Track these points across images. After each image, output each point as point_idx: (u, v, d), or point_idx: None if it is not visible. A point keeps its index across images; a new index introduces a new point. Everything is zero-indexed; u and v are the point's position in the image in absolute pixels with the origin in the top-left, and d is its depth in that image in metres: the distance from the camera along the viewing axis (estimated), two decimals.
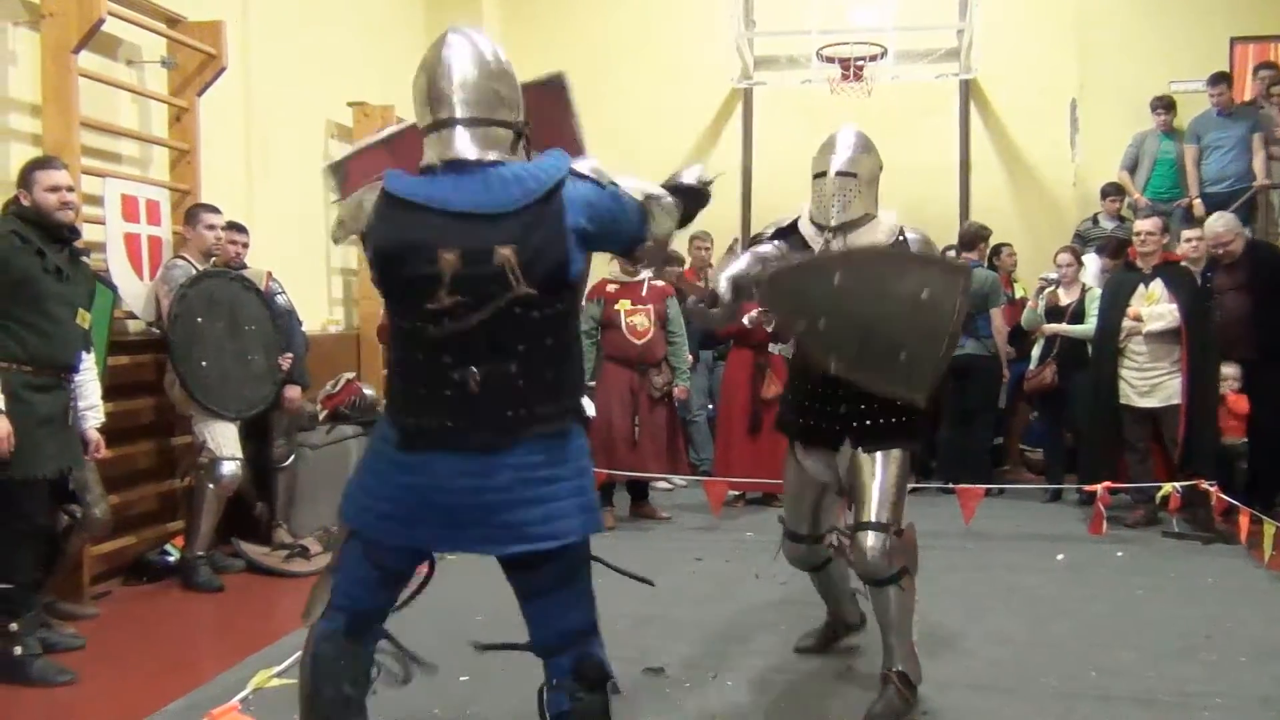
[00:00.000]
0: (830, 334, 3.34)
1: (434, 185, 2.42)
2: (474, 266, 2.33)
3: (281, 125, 7.01)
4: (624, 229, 2.53)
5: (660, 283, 6.94)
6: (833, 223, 3.66)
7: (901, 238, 3.75)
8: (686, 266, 8.14)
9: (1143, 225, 6.62)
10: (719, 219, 9.18)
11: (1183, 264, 6.55)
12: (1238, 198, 7.78)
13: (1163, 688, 3.80)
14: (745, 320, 7.00)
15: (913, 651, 3.52)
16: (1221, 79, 8.19)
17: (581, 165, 2.53)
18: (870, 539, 3.44)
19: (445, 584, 5.26)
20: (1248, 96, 8.52)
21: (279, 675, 3.79)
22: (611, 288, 6.71)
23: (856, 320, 3.31)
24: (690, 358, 7.08)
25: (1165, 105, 8.47)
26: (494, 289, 2.33)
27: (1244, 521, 5.48)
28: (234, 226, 5.70)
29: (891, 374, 3.31)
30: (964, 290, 3.33)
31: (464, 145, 2.44)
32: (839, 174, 3.66)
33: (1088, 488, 6.29)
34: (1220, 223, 6.64)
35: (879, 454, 3.54)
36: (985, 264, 7.73)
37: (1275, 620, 4.58)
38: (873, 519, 3.46)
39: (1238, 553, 5.62)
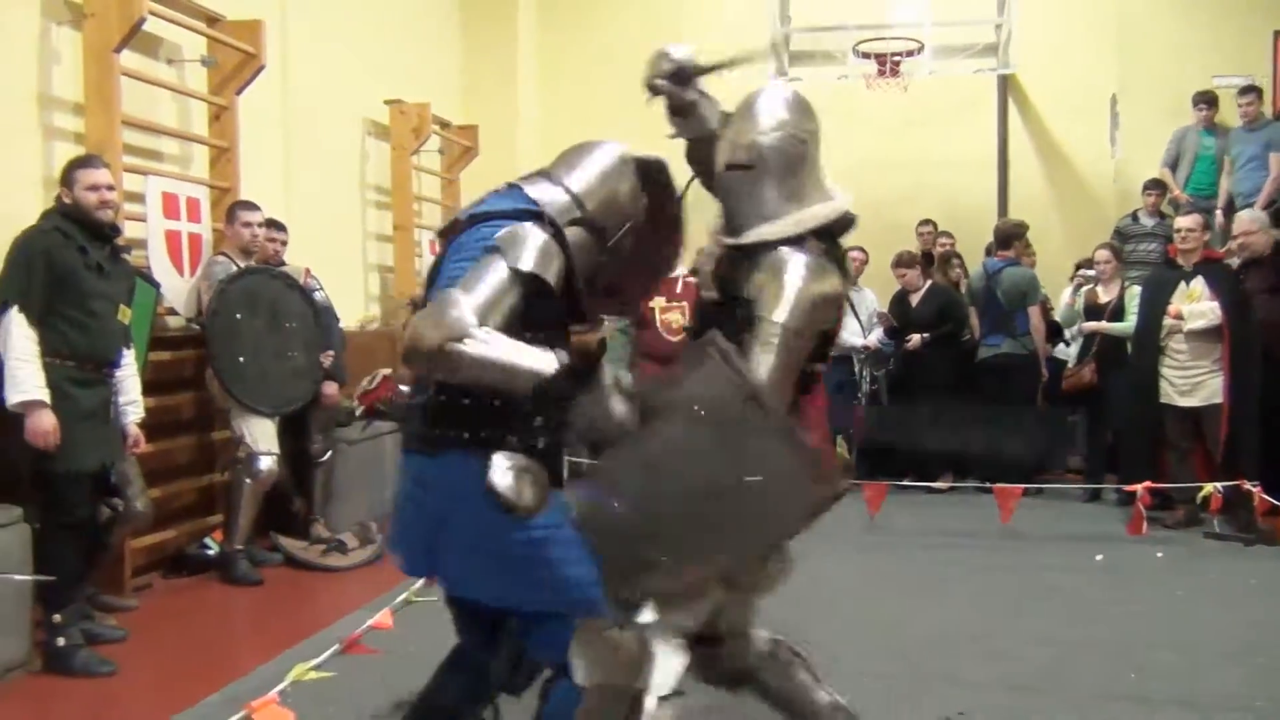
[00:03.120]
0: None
1: None
2: None
3: (319, 123, 7.07)
4: None
5: (695, 279, 6.92)
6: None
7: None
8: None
9: (1183, 222, 6.54)
10: None
11: (1225, 262, 6.46)
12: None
13: (1203, 691, 3.75)
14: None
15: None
16: (1251, 90, 8.07)
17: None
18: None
19: None
20: None
21: (316, 668, 3.83)
22: None
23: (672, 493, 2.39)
24: None
25: (1207, 101, 8.34)
26: None
27: None
28: (272, 224, 5.75)
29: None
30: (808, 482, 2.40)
31: None
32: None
33: (1127, 487, 6.22)
34: (1247, 216, 6.57)
35: None
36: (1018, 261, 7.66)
37: None
38: None
39: (1278, 554, 5.53)
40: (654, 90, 3.04)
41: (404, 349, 2.13)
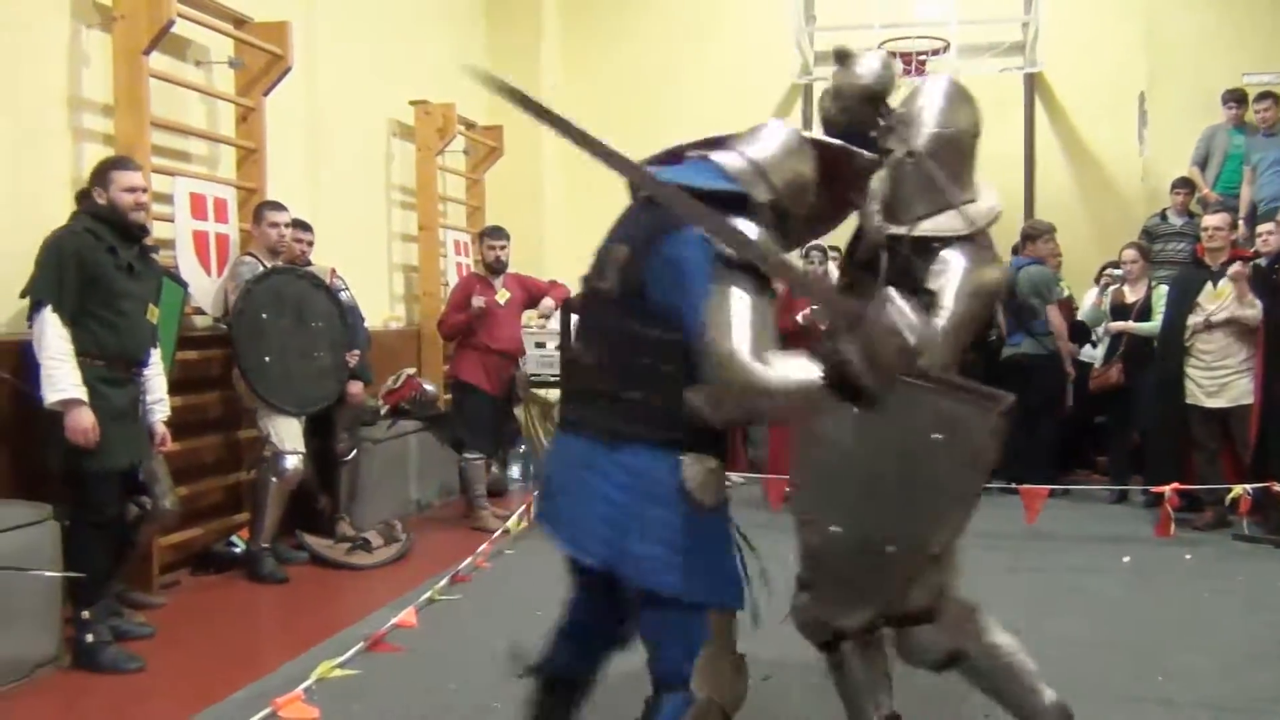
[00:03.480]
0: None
1: None
2: None
3: (345, 124, 7.11)
4: None
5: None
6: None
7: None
8: None
9: (1210, 221, 6.47)
10: None
11: (1256, 262, 6.38)
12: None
13: (1231, 695, 3.71)
14: (799, 318, 6.97)
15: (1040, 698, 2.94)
16: (1267, 97, 7.99)
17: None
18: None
19: (506, 581, 5.32)
20: None
21: (341, 666, 3.85)
22: None
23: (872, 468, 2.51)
24: None
25: (1237, 98, 8.25)
26: None
27: None
28: (299, 224, 5.78)
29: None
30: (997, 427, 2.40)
31: None
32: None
33: (1155, 489, 6.17)
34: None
35: None
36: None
37: None
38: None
39: None
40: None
41: (735, 391, 2.16)
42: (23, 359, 4.24)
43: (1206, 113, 8.48)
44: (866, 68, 2.88)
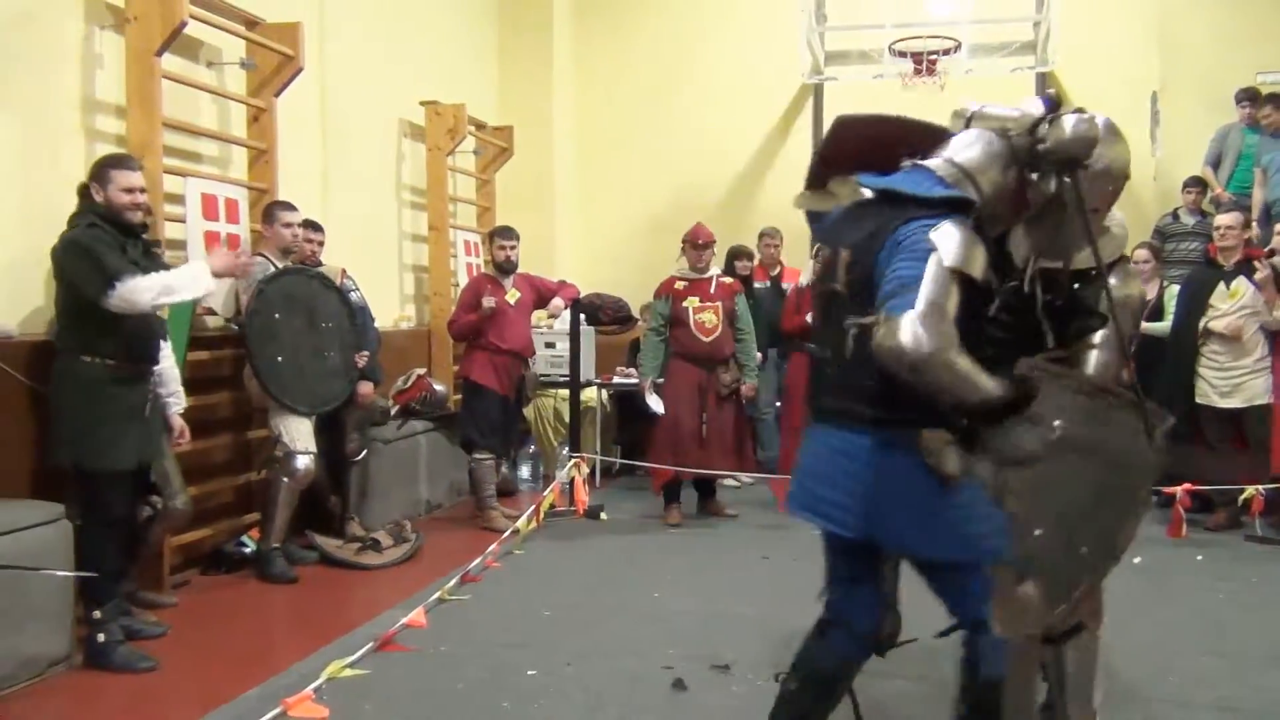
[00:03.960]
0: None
1: None
2: None
3: (356, 125, 7.12)
4: None
5: (729, 280, 6.93)
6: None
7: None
8: (756, 262, 8.11)
9: (1223, 220, 6.44)
10: (790, 214, 9.09)
11: (1272, 260, 6.34)
12: None
13: (1245, 696, 3.70)
14: (809, 318, 6.95)
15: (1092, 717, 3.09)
16: (1271, 99, 7.96)
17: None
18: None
19: (514, 581, 5.33)
20: None
21: (351, 666, 3.86)
22: (680, 285, 6.70)
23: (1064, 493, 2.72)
24: (759, 355, 7.05)
25: (1250, 97, 8.20)
26: None
27: None
28: (310, 224, 5.80)
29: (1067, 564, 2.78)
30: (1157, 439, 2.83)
31: None
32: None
33: (1166, 490, 6.13)
34: None
35: None
36: None
37: None
38: None
39: None
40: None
41: (886, 350, 2.40)
42: (36, 359, 4.27)
43: (1220, 112, 8.43)
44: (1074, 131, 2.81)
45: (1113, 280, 2.99)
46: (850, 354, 2.64)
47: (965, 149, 2.76)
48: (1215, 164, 8.32)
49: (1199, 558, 5.62)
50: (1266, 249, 6.70)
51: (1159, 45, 8.95)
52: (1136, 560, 5.55)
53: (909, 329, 2.37)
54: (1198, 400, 6.25)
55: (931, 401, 2.50)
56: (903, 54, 8.54)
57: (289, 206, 5.61)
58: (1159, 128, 8.79)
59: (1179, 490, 5.85)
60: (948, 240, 2.49)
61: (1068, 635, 3.06)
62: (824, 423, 2.77)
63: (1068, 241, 2.96)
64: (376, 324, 6.39)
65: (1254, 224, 7.60)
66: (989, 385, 2.47)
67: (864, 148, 2.98)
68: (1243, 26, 8.84)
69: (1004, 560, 2.67)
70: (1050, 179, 2.88)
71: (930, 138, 2.88)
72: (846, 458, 2.65)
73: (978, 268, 2.52)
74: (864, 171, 2.88)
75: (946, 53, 8.43)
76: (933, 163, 2.75)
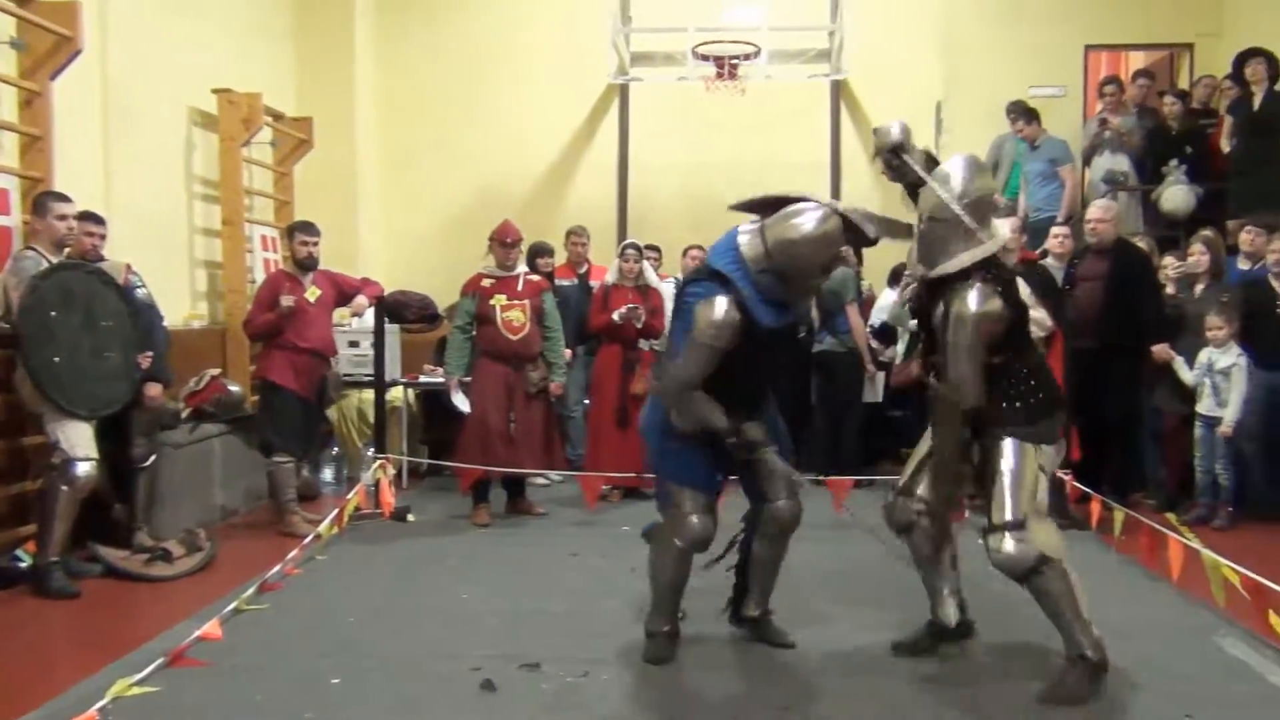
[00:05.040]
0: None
1: None
2: None
3: (142, 112, 6.75)
4: None
5: (536, 277, 6.93)
6: None
7: None
8: (565, 260, 8.14)
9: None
10: (596, 213, 9.24)
11: (1041, 263, 6.79)
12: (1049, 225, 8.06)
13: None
14: (615, 316, 7.04)
15: (1089, 631, 3.61)
16: (1025, 114, 8.64)
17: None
18: (994, 540, 3.67)
19: (317, 588, 5.18)
20: (1096, 108, 8.97)
21: (140, 683, 3.66)
22: (486, 283, 6.66)
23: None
24: (567, 353, 7.08)
25: (1016, 111, 8.81)
26: None
27: (1095, 508, 5.77)
28: (89, 217, 5.46)
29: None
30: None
31: None
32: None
33: None
34: (1100, 204, 6.92)
35: (1009, 441, 3.71)
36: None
37: (1130, 600, 4.84)
38: (1003, 519, 3.65)
39: (1089, 538, 5.86)
40: (886, 167, 4.10)
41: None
42: None
43: (999, 122, 9.02)
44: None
45: (973, 294, 3.63)
46: None
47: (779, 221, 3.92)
48: (993, 171, 8.89)
49: (979, 541, 5.95)
50: (1039, 250, 7.19)
51: (943, 58, 9.50)
52: None
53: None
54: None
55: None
56: (705, 58, 8.74)
57: (62, 198, 5.28)
58: (943, 136, 9.32)
59: None
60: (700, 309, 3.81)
61: (1031, 573, 3.63)
62: None
63: (928, 255, 3.81)
64: (166, 322, 6.08)
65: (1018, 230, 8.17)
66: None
67: None
68: (1016, 44, 9.51)
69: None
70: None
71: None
72: None
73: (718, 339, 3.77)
74: None
75: (747, 58, 8.69)
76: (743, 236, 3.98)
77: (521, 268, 6.84)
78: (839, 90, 9.58)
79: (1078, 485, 6.09)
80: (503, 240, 6.69)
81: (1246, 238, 7.07)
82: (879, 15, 9.42)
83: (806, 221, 3.75)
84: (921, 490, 4.03)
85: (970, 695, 3.70)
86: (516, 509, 6.85)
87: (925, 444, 4.06)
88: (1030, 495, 3.68)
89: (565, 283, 7.89)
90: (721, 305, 3.72)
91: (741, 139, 9.36)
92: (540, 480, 7.42)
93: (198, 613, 4.55)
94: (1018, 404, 3.74)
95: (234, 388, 6.80)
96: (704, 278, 3.91)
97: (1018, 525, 3.63)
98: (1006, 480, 3.68)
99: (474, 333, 6.65)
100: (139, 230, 6.45)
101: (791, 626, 4.29)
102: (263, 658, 4.09)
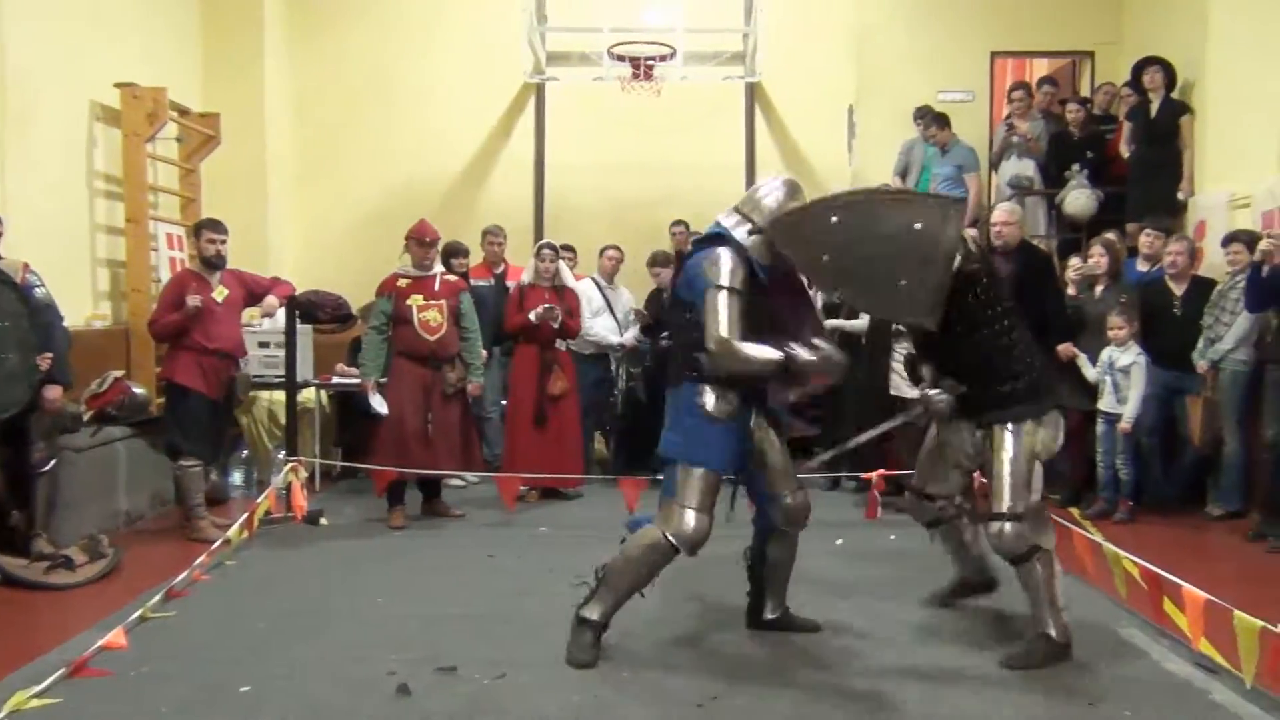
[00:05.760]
0: (834, 268, 3.89)
1: None
2: None
3: (39, 106, 6.53)
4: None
5: (453, 278, 6.87)
6: None
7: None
8: (481, 260, 8.08)
9: None
10: (513, 212, 9.19)
11: None
12: None
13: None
14: (531, 316, 7.01)
15: (1058, 615, 3.97)
16: (935, 119, 8.83)
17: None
18: (994, 527, 3.99)
19: (226, 594, 5.06)
20: (1004, 113, 9.21)
21: (39, 695, 3.54)
22: (403, 283, 6.58)
23: (856, 254, 3.82)
24: (485, 353, 7.02)
25: (923, 115, 8.99)
26: None
27: None
28: None
29: (894, 301, 3.87)
30: (952, 219, 3.75)
31: None
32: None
33: (864, 475, 6.59)
34: (1006, 208, 7.07)
35: (1009, 429, 4.00)
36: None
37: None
38: (1002, 509, 3.96)
39: None
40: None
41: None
42: None
43: (909, 126, 9.19)
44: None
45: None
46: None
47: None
48: (903, 174, 9.08)
49: (892, 537, 6.08)
50: None
51: (855, 62, 9.64)
52: (839, 541, 5.97)
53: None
54: (891, 392, 6.76)
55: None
56: (621, 58, 8.75)
57: None
58: (855, 139, 9.48)
59: (874, 476, 6.29)
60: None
61: (1024, 558, 3.95)
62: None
63: None
64: (66, 323, 5.88)
65: None
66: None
67: None
68: (925, 49, 9.69)
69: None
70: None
71: None
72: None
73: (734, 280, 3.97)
74: None
75: (663, 59, 8.72)
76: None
77: (438, 268, 6.78)
78: (753, 92, 9.66)
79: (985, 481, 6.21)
80: (420, 239, 6.62)
81: (1145, 240, 7.32)
82: (793, 19, 9.52)
83: (771, 182, 4.15)
84: (932, 488, 4.42)
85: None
86: (433, 511, 6.78)
87: (928, 443, 4.46)
88: (1026, 485, 3.98)
89: (482, 283, 7.83)
90: (726, 253, 3.96)
91: (657, 140, 9.40)
92: (457, 481, 7.36)
93: (101, 621, 4.42)
94: (1010, 385, 4.01)
95: (139, 390, 6.62)
96: (699, 248, 4.14)
97: (1015, 516, 3.95)
98: (1006, 471, 3.98)
99: (390, 334, 6.56)
100: (37, 228, 6.24)
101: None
102: (169, 666, 3.98)
